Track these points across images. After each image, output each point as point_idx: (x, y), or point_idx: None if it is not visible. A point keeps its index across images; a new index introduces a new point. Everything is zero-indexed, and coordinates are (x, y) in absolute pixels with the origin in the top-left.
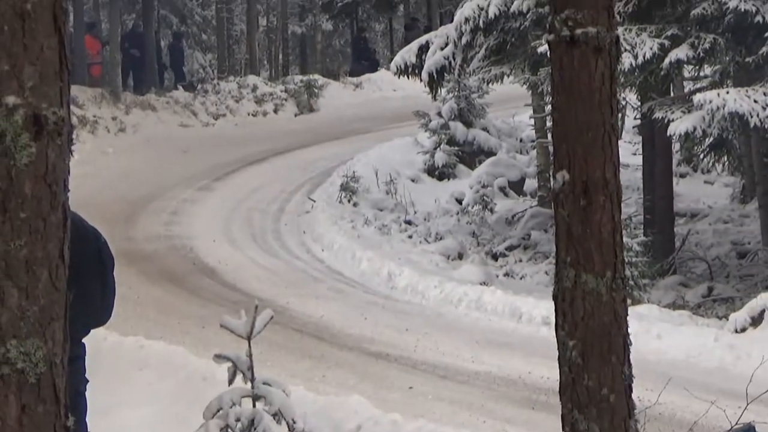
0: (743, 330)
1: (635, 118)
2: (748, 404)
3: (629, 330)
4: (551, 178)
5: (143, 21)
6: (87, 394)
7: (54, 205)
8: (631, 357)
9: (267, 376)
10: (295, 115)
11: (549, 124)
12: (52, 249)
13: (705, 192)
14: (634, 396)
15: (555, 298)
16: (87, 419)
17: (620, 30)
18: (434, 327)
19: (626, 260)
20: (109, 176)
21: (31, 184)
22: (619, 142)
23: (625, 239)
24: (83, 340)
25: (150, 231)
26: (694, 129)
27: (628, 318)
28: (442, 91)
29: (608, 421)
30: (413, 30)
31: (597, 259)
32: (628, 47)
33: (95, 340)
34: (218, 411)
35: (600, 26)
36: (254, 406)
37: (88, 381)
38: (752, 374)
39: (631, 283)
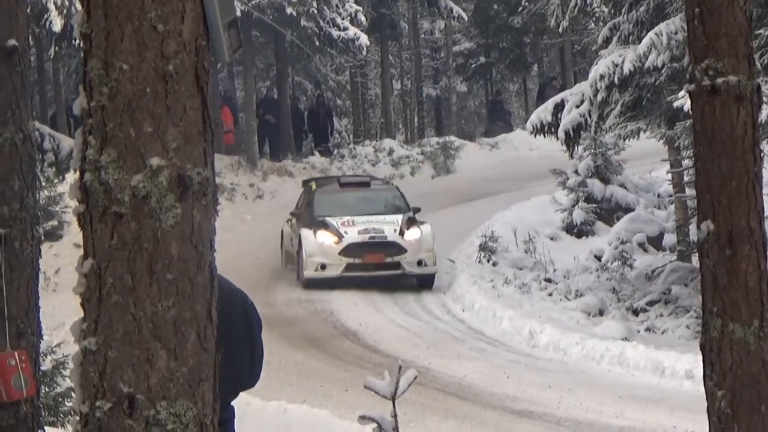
0: None
1: None
2: None
3: None
4: (696, 229)
5: (277, 87)
6: None
7: (201, 266)
8: None
9: None
10: (432, 177)
11: (687, 178)
12: (200, 310)
13: None
14: None
15: (702, 348)
16: None
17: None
18: (577, 383)
19: None
20: (248, 243)
21: (177, 245)
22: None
23: None
24: (232, 404)
25: (290, 296)
26: None
27: None
28: (579, 149)
29: None
30: (548, 89)
31: (744, 308)
32: (766, 99)
33: (238, 406)
34: None
35: (741, 75)
36: None
37: None
38: None
39: None
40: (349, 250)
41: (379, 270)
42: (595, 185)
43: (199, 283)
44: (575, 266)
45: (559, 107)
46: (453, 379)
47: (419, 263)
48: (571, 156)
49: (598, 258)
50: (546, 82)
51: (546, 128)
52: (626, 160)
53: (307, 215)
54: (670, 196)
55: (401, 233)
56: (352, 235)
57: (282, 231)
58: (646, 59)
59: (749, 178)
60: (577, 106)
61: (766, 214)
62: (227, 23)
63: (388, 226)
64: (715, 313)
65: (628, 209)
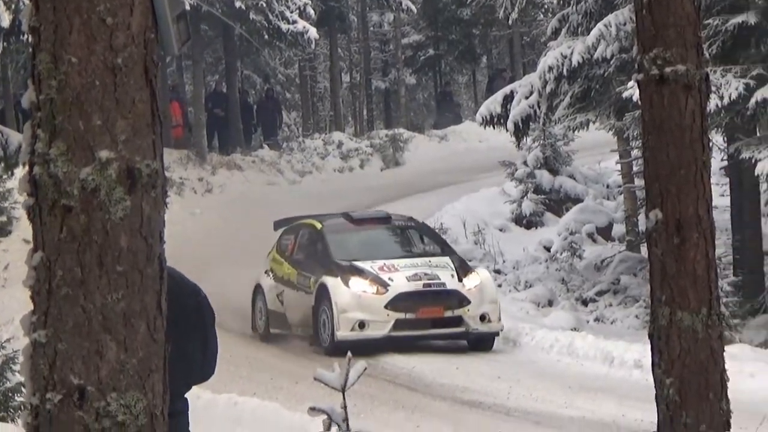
0: None
1: (722, 159)
2: None
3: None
4: (646, 218)
5: (226, 81)
6: None
7: (150, 258)
8: (728, 392)
9: (361, 427)
10: (381, 170)
11: (635, 168)
12: (150, 301)
13: None
14: None
15: (651, 337)
16: None
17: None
18: (527, 374)
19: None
20: (197, 236)
21: (126, 237)
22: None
23: None
24: (186, 396)
25: (240, 290)
26: None
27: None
28: (528, 140)
29: None
30: (497, 81)
31: (692, 296)
32: (713, 88)
33: (189, 399)
34: None
35: (689, 64)
36: None
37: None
38: None
39: (724, 323)
40: (399, 302)
41: (437, 327)
42: (544, 176)
43: (148, 275)
44: (524, 257)
45: (508, 99)
46: (402, 371)
47: (482, 318)
48: (520, 147)
49: (548, 249)
50: (495, 73)
51: (495, 120)
52: (575, 151)
53: (318, 261)
54: (619, 186)
55: (459, 280)
56: (401, 283)
57: (257, 286)
58: (595, 50)
59: (697, 167)
60: (526, 98)
61: (714, 203)
62: (176, 16)
63: (442, 271)
64: (664, 302)
65: (577, 200)
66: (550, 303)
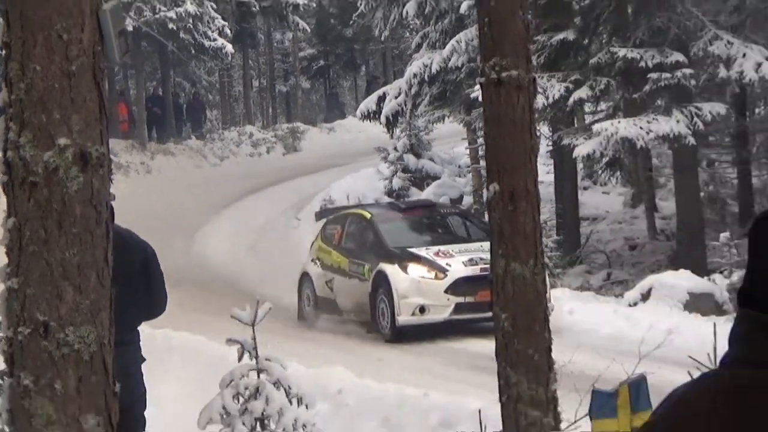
0: (635, 304)
1: (548, 146)
2: (640, 360)
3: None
4: (486, 191)
5: (162, 86)
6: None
7: (99, 222)
8: (550, 325)
9: (268, 354)
10: (283, 155)
11: (480, 153)
12: (99, 255)
13: (603, 200)
14: (553, 356)
15: (491, 282)
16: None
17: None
18: None
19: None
20: (139, 209)
21: (80, 206)
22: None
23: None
24: (138, 329)
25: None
26: (594, 151)
27: (547, 296)
28: (397, 131)
29: (534, 375)
30: (373, 85)
31: (522, 250)
32: (540, 90)
33: None
34: (231, 382)
35: (521, 70)
36: (258, 377)
37: (144, 359)
38: (643, 337)
39: (548, 271)
40: (458, 287)
41: (491, 310)
42: (410, 159)
43: (98, 235)
44: None
45: (381, 99)
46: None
47: None
48: (392, 137)
49: None
50: (371, 79)
51: (372, 115)
52: (434, 139)
53: (371, 249)
54: (468, 167)
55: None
56: (458, 268)
57: (304, 274)
58: (449, 61)
59: (526, 150)
60: (396, 98)
61: (540, 179)
62: (117, 33)
63: None
64: (501, 255)
65: (436, 177)
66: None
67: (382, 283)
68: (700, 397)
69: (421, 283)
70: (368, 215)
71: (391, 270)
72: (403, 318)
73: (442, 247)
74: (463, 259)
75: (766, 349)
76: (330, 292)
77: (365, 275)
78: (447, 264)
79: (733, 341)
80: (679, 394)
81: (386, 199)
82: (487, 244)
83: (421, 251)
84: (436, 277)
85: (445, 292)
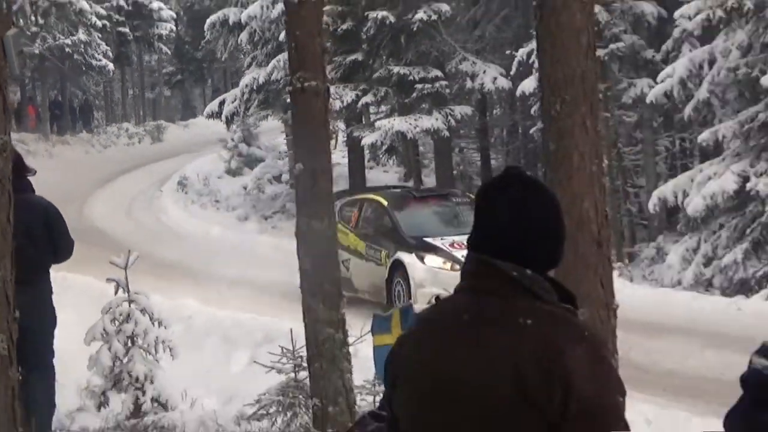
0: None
1: (344, 138)
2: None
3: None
4: (293, 169)
5: (61, 94)
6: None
7: (2, 192)
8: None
9: (137, 289)
10: (151, 144)
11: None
12: (2, 217)
13: (384, 177)
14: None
15: (297, 236)
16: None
17: (333, 86)
18: (232, 256)
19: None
20: (44, 185)
21: None
22: (334, 151)
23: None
24: (49, 271)
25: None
26: (377, 141)
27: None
28: (233, 126)
29: (327, 302)
30: (217, 92)
31: (320, 212)
32: (336, 96)
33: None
34: (109, 309)
35: (318, 81)
36: (129, 306)
37: (52, 292)
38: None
39: (340, 226)
40: None
41: None
42: (243, 147)
43: (2, 203)
44: (232, 192)
45: (222, 103)
46: (166, 260)
47: None
48: (229, 130)
49: (245, 188)
50: (216, 89)
51: (215, 115)
52: (261, 132)
53: (387, 235)
54: (286, 152)
55: None
56: None
57: None
58: (272, 75)
59: (323, 139)
60: (233, 102)
61: (337, 161)
62: (18, 52)
63: None
64: (304, 215)
65: (262, 160)
66: (246, 218)
67: (399, 270)
68: (425, 314)
69: (438, 274)
70: (385, 202)
71: (409, 260)
72: (419, 306)
73: (458, 238)
74: None
75: (484, 279)
76: (346, 271)
77: (382, 261)
78: (462, 256)
79: (461, 274)
80: (418, 314)
81: (225, 176)
82: None
83: (437, 241)
84: (452, 269)
85: None
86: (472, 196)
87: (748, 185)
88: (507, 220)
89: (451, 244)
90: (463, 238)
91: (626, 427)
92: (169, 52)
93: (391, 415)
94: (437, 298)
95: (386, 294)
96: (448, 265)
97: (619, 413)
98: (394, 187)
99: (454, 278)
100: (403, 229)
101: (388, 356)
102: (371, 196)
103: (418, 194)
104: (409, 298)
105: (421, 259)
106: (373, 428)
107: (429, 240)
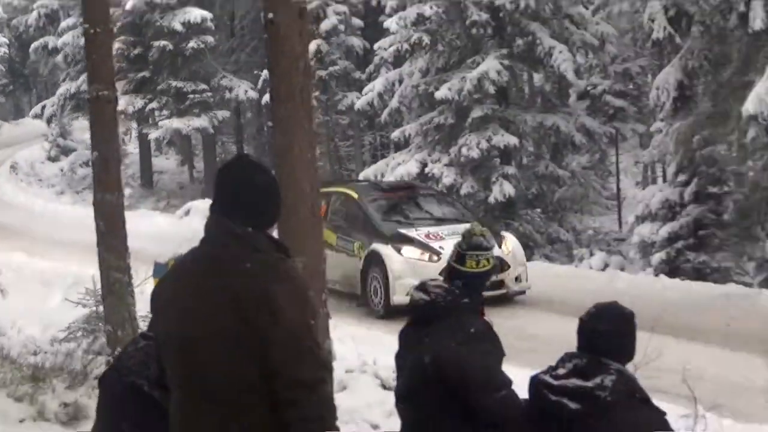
0: (182, 218)
1: (136, 134)
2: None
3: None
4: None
5: None
6: None
7: None
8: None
9: None
10: None
11: None
12: None
13: (166, 163)
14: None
15: (94, 206)
16: None
17: (127, 96)
18: (52, 221)
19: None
20: None
21: None
22: (129, 144)
23: None
24: None
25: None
26: (160, 136)
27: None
28: (53, 124)
29: (114, 257)
30: (39, 98)
31: (112, 188)
32: (131, 103)
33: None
34: None
35: (110, 91)
36: None
37: None
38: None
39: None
40: None
41: (485, 291)
42: (60, 140)
43: None
44: (52, 174)
45: (44, 107)
46: (2, 224)
47: (517, 279)
48: (49, 127)
49: (62, 170)
50: (39, 96)
51: (39, 116)
52: (75, 129)
53: (360, 227)
54: None
55: (499, 246)
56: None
57: None
58: (81, 86)
59: (112, 135)
60: (52, 106)
61: (127, 150)
62: None
63: None
64: (99, 190)
65: (74, 149)
66: (62, 193)
67: (375, 262)
68: (176, 263)
69: (416, 265)
70: (355, 195)
71: (386, 251)
72: (398, 297)
73: (432, 229)
74: (454, 242)
75: (217, 235)
76: None
77: (354, 251)
78: (440, 247)
79: (204, 229)
80: (174, 261)
81: (48, 162)
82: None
83: (411, 232)
84: (430, 260)
85: (440, 273)
86: (436, 188)
87: (426, 169)
88: (236, 190)
89: (426, 235)
90: (437, 229)
91: (315, 340)
92: (3, 69)
93: (154, 335)
94: (416, 288)
95: (361, 284)
96: (426, 256)
97: (311, 331)
98: (358, 181)
99: (431, 269)
100: (375, 221)
101: (152, 292)
102: (339, 189)
103: (386, 186)
104: (386, 288)
105: (398, 250)
106: (143, 344)
107: (404, 231)
